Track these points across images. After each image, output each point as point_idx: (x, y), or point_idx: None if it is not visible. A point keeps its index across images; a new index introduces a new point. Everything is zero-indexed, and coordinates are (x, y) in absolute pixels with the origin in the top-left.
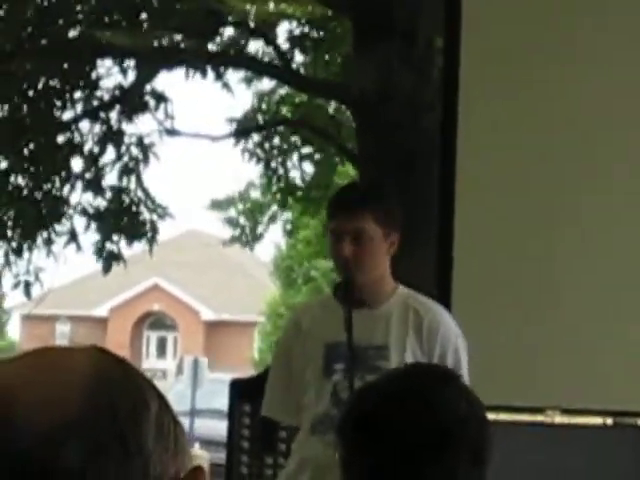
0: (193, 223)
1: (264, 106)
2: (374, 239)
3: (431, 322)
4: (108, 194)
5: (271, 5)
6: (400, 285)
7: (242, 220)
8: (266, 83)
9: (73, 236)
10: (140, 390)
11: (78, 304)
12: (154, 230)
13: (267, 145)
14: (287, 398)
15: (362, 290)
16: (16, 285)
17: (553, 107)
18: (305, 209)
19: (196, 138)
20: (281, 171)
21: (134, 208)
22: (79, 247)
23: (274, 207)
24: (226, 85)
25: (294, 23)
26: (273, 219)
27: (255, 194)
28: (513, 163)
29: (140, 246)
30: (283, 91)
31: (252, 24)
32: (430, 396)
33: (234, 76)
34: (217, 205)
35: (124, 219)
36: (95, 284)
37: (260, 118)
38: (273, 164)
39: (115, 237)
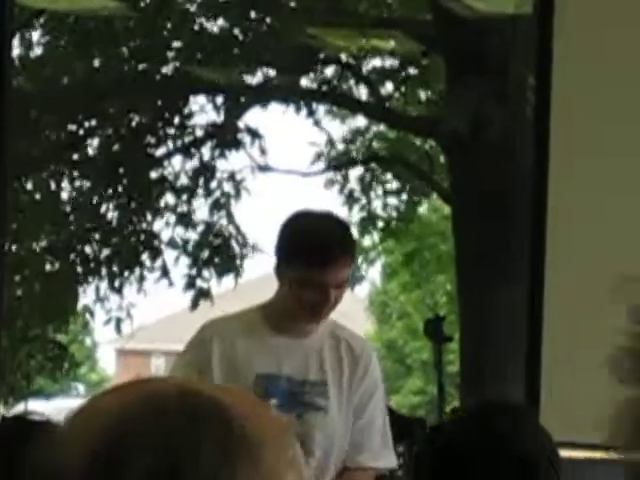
0: None
1: (358, 142)
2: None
3: (367, 363)
4: (200, 228)
5: (363, 41)
6: None
7: None
8: (360, 119)
9: (165, 272)
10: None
11: (169, 339)
12: (241, 266)
13: (352, 178)
14: None
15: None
16: (107, 321)
17: None
18: (385, 238)
19: (288, 174)
20: (364, 201)
21: (225, 243)
22: (171, 283)
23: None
24: (317, 123)
25: (386, 58)
26: (372, 262)
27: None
28: (606, 199)
29: (228, 283)
30: (376, 127)
31: (345, 60)
32: (513, 429)
33: (328, 111)
34: None
35: (217, 253)
36: (183, 321)
37: (329, 152)
38: (356, 194)
39: (205, 271)
